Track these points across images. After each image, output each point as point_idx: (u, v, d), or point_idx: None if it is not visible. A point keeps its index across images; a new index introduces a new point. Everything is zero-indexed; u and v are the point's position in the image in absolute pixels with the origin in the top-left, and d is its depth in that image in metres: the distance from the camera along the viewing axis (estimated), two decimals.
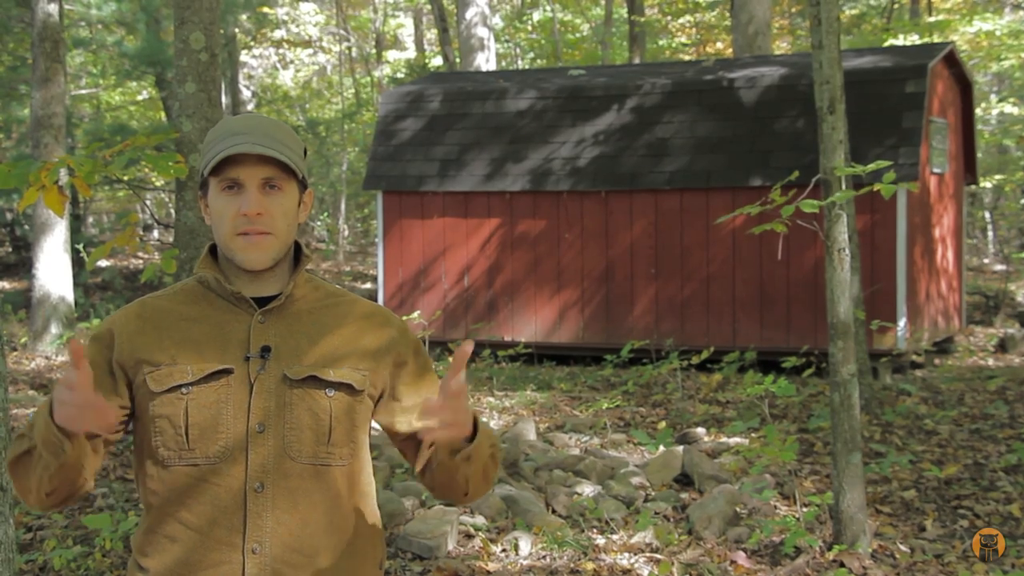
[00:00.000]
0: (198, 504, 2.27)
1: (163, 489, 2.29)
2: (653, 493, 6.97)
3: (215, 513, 2.26)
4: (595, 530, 6.29)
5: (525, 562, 5.77)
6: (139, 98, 26.55)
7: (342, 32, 30.61)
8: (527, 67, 27.75)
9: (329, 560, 2.30)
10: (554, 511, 6.58)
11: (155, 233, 23.82)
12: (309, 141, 25.77)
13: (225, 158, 2.27)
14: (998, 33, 20.61)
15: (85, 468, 2.24)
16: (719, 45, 26.43)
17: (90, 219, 23.29)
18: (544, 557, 5.84)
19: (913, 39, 20.29)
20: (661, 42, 27.21)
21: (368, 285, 20.41)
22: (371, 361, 2.37)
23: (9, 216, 19.67)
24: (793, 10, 25.92)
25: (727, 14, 22.87)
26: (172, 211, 20.16)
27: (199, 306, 2.36)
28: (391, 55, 31.87)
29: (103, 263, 20.30)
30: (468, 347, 2.18)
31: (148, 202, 24.95)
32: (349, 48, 31.64)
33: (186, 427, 2.26)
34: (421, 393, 2.41)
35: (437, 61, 28.08)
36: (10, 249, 20.93)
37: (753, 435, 8.50)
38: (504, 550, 5.94)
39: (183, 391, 2.27)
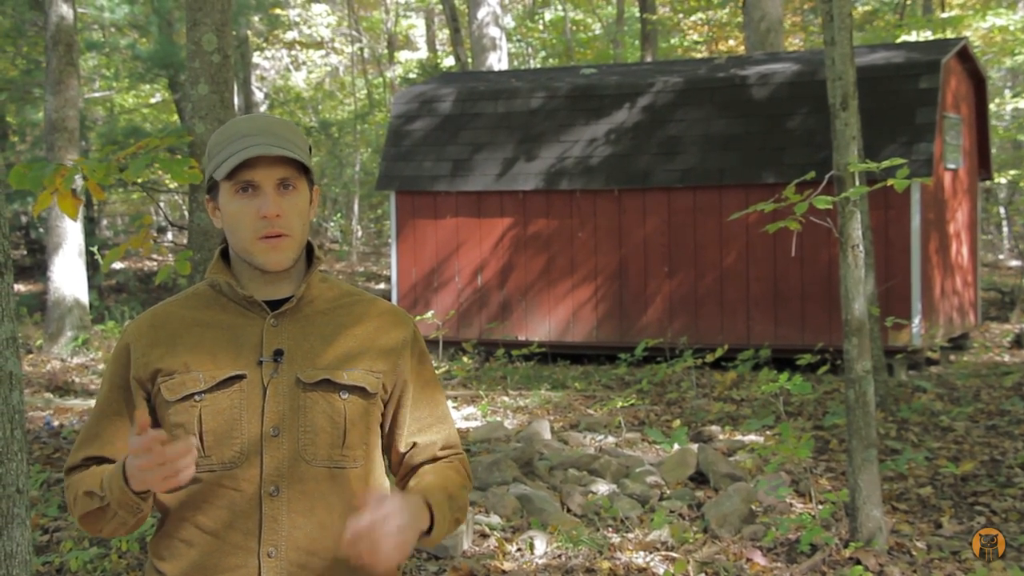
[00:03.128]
0: (214, 508, 2.27)
1: (180, 494, 2.30)
2: (668, 491, 6.96)
3: (231, 517, 2.26)
4: (610, 529, 6.28)
5: (540, 561, 5.77)
6: (152, 101, 26.61)
7: (354, 33, 30.64)
8: (539, 66, 27.74)
9: (346, 563, 2.30)
10: (569, 510, 6.58)
11: (169, 235, 23.87)
12: (322, 142, 25.81)
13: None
14: (1012, 28, 20.53)
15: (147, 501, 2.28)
16: (731, 42, 26.38)
17: (104, 221, 23.37)
18: (559, 556, 5.84)
19: (926, 35, 20.23)
20: (673, 40, 27.17)
21: (382, 286, 20.44)
22: (385, 363, 2.36)
23: (24, 219, 19.74)
24: (805, 7, 25.86)
25: (739, 11, 22.82)
26: (186, 213, 20.22)
27: (211, 311, 2.36)
28: (403, 56, 31.89)
29: (117, 265, 20.37)
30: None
31: (162, 204, 25.02)
32: (361, 49, 31.67)
33: (201, 434, 2.27)
34: (418, 410, 2.42)
35: (449, 61, 28.09)
36: (25, 252, 21.00)
37: (768, 433, 8.49)
38: (519, 549, 5.94)
39: (196, 399, 2.27)
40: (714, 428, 8.69)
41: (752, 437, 8.40)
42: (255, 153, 2.23)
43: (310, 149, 2.39)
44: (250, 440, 2.27)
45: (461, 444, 2.49)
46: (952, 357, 12.57)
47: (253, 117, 2.35)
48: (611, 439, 8.46)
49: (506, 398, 10.51)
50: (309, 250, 2.41)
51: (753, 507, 6.45)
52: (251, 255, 2.30)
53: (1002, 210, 23.73)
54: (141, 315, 2.41)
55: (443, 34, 31.58)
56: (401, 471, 2.44)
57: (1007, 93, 23.21)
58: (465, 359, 12.72)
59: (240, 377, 2.28)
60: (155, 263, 22.32)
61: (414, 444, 2.41)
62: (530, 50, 29.39)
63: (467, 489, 2.41)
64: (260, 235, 2.27)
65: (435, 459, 2.42)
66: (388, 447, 2.43)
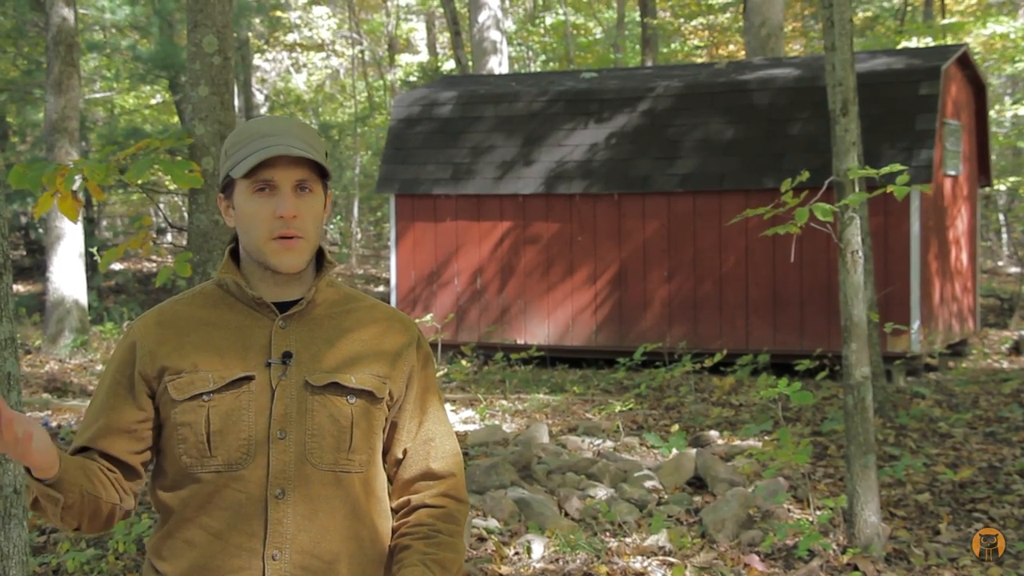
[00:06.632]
0: (219, 509, 2.26)
1: (185, 494, 2.29)
2: (666, 496, 6.96)
3: (235, 519, 2.25)
4: (608, 533, 6.28)
5: (538, 565, 5.76)
6: (153, 102, 26.61)
7: (355, 36, 30.65)
8: (539, 70, 27.75)
9: (348, 567, 2.30)
10: (567, 514, 6.57)
11: (168, 236, 23.87)
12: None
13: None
14: (1012, 35, 20.55)
15: (102, 496, 2.23)
16: (732, 47, 26.39)
17: (104, 222, 23.37)
18: (557, 560, 5.83)
19: (927, 41, 20.25)
20: (673, 45, 27.19)
21: (381, 288, 20.43)
22: (389, 367, 2.36)
23: (23, 220, 19.74)
24: (806, 12, 25.87)
25: (740, 16, 22.84)
26: (185, 214, 20.22)
27: (219, 310, 2.35)
28: (404, 59, 31.90)
29: (117, 266, 20.37)
30: None
31: (161, 205, 25.02)
32: (362, 52, 31.67)
33: (208, 434, 2.25)
34: (417, 418, 2.40)
35: (450, 64, 28.10)
36: (24, 253, 21.00)
37: (766, 438, 8.48)
38: (517, 553, 5.93)
39: (204, 399, 2.26)
40: (712, 433, 8.68)
41: (750, 442, 8.40)
42: (275, 152, 2.23)
43: (327, 153, 2.39)
44: (257, 442, 2.26)
45: (460, 449, 2.48)
46: (951, 363, 12.57)
47: (273, 118, 2.35)
48: (609, 443, 8.46)
49: (504, 402, 10.51)
50: (319, 254, 2.41)
51: (751, 512, 6.45)
52: (264, 255, 2.29)
53: (1001, 216, 23.75)
54: (147, 313, 2.40)
55: (444, 37, 31.59)
56: (396, 484, 2.43)
57: (1007, 100, 23.23)
58: (464, 362, 12.71)
59: (249, 378, 2.28)
60: (154, 264, 22.32)
61: (405, 452, 2.40)
62: (531, 54, 29.40)
63: (460, 552, 2.37)
64: (275, 235, 2.27)
65: (428, 473, 2.40)
66: (385, 451, 2.42)
